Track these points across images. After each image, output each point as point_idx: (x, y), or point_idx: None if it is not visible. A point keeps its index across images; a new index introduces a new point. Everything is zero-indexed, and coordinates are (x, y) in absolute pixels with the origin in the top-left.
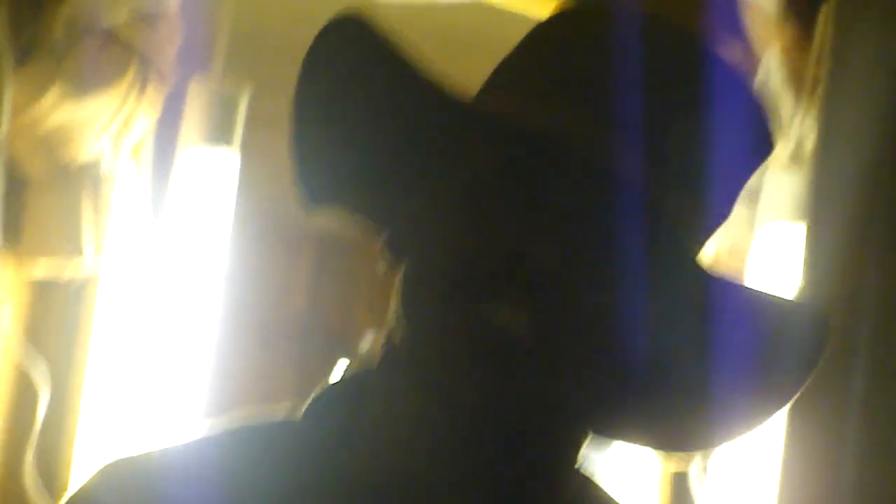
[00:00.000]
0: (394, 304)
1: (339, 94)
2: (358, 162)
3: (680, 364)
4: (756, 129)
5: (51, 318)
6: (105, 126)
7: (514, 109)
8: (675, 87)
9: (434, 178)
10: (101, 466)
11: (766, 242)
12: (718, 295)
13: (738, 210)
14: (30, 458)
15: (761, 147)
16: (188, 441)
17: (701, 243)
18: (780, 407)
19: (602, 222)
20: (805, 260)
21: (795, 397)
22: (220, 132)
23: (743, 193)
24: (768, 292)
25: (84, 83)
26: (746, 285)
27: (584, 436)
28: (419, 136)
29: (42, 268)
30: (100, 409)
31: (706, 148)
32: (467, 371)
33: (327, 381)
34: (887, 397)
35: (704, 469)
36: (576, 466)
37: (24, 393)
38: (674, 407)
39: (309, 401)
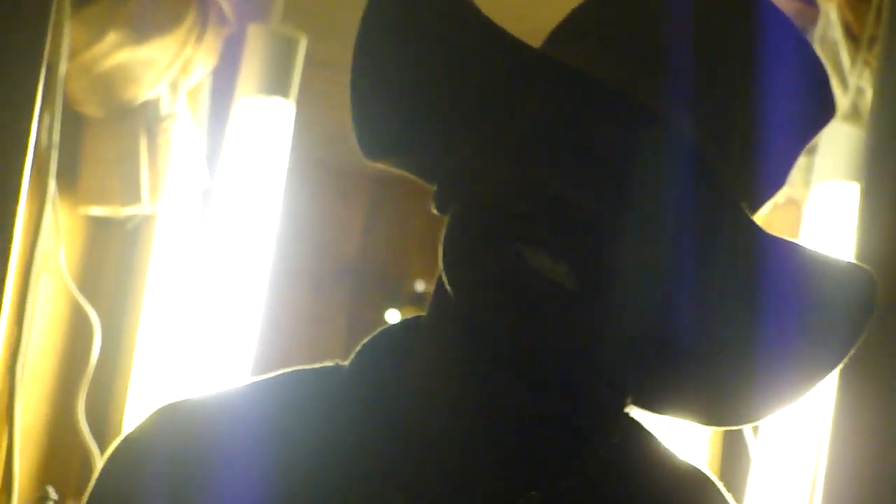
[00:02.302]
0: (440, 255)
1: (400, 41)
2: (413, 114)
3: (726, 326)
4: (815, 92)
5: (106, 260)
6: (163, 70)
7: (573, 59)
8: (729, 40)
9: (488, 126)
10: (153, 409)
11: (821, 200)
12: (768, 252)
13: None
14: (83, 398)
15: (820, 110)
16: (238, 386)
17: (753, 202)
18: (827, 372)
19: (648, 171)
20: (859, 219)
21: (842, 362)
22: (277, 79)
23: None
24: (818, 251)
25: (143, 26)
26: (796, 243)
27: (628, 389)
28: (480, 82)
29: (98, 209)
30: (153, 351)
31: (760, 103)
32: (510, 317)
33: (378, 328)
34: None
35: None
36: (623, 411)
37: (78, 334)
38: (719, 375)
39: (359, 348)
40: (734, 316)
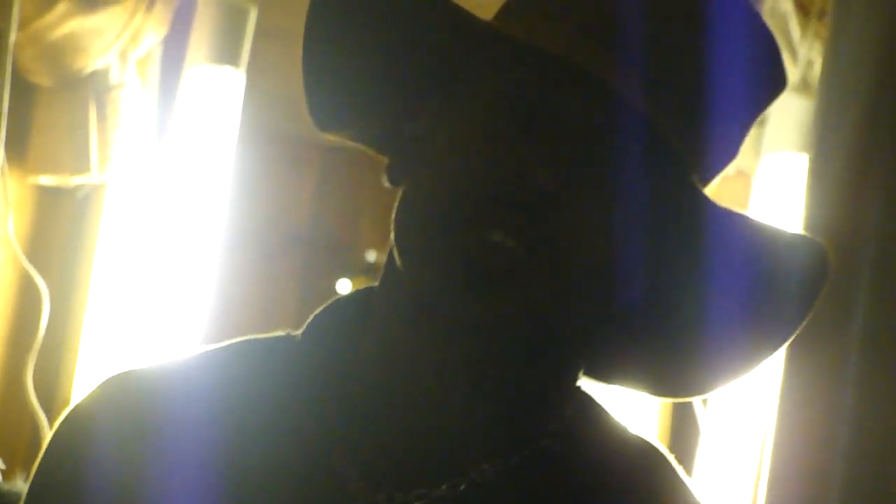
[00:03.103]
0: (392, 228)
1: (355, 11)
2: (367, 86)
3: (677, 298)
4: (766, 64)
5: (55, 229)
6: (113, 39)
7: (524, 33)
8: (680, 13)
9: (440, 101)
10: (102, 379)
11: (770, 171)
12: (719, 225)
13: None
14: (31, 368)
15: (771, 83)
16: (188, 355)
17: (705, 175)
18: (778, 345)
19: (601, 146)
20: (808, 190)
21: (794, 334)
22: (227, 48)
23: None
24: (769, 223)
25: None
26: (748, 216)
27: (581, 362)
28: (431, 57)
29: (47, 178)
30: (102, 321)
31: (711, 76)
32: (463, 293)
33: (329, 298)
34: (888, 330)
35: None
36: (575, 385)
37: (27, 303)
38: (670, 347)
39: (310, 319)
40: (685, 287)
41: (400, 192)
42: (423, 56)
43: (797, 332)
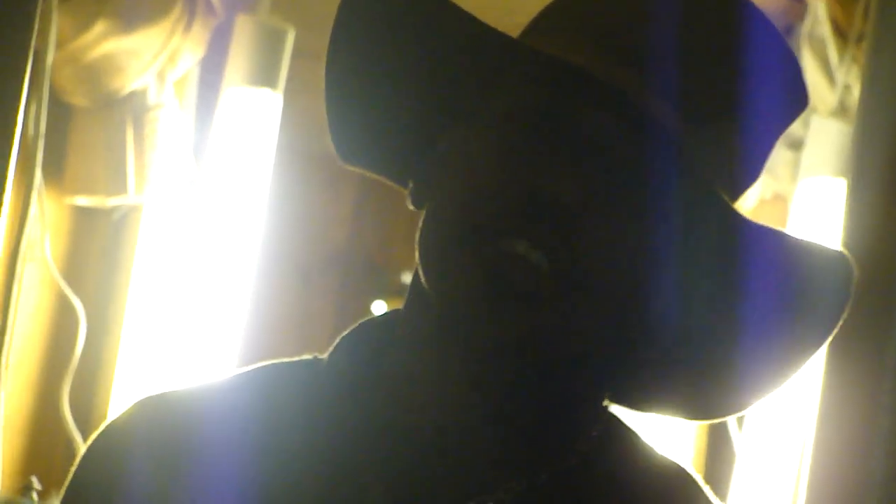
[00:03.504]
0: (416, 250)
1: (374, 37)
2: (390, 109)
3: (709, 314)
4: (790, 83)
5: (92, 250)
6: (150, 60)
7: (550, 48)
8: (707, 30)
9: (463, 119)
10: (135, 400)
11: (808, 196)
12: (749, 238)
13: (782, 160)
14: (67, 389)
15: (794, 101)
16: (218, 378)
17: (732, 192)
18: (810, 356)
19: (626, 160)
20: (846, 215)
21: (825, 344)
22: (264, 70)
23: (783, 145)
24: (797, 236)
25: (131, 16)
26: (776, 229)
27: (608, 383)
28: (457, 75)
29: (84, 199)
30: (139, 342)
31: (738, 94)
32: (486, 304)
33: (361, 319)
34: None
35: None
36: (602, 405)
37: (63, 324)
38: (703, 365)
39: (337, 341)
40: (717, 304)
41: (423, 214)
42: (445, 76)
43: (827, 344)
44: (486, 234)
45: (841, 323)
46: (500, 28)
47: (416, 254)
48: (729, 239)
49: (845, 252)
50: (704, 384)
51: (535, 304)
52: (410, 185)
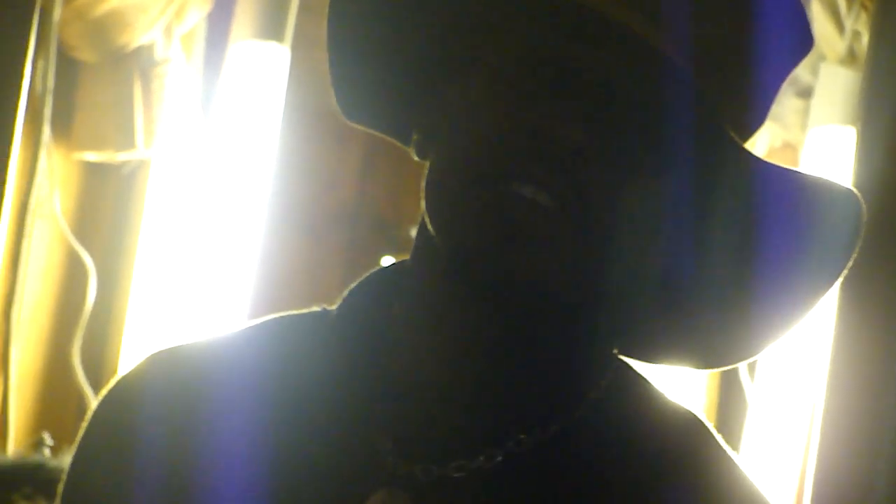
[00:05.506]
0: (422, 198)
1: None
2: (393, 66)
3: (721, 257)
4: (795, 23)
5: (101, 205)
6: (157, 15)
7: None
8: None
9: (468, 66)
10: (145, 354)
11: (818, 144)
12: (763, 176)
13: (791, 108)
14: (78, 344)
15: (799, 41)
16: (227, 332)
17: (741, 134)
18: (821, 296)
19: (637, 103)
20: (856, 162)
21: (836, 285)
22: (271, 23)
23: (792, 93)
24: (807, 173)
25: None
26: (786, 167)
27: (618, 330)
28: (458, 21)
29: (93, 155)
30: (149, 296)
31: (747, 35)
32: (495, 250)
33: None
34: None
35: (753, 364)
36: (612, 353)
37: (73, 279)
38: (715, 310)
39: (345, 293)
40: (729, 246)
41: (428, 164)
42: (450, 22)
43: (839, 281)
44: (494, 177)
45: (852, 262)
46: None
47: (423, 202)
48: (742, 180)
49: (853, 191)
50: (716, 329)
51: (543, 245)
52: (415, 136)
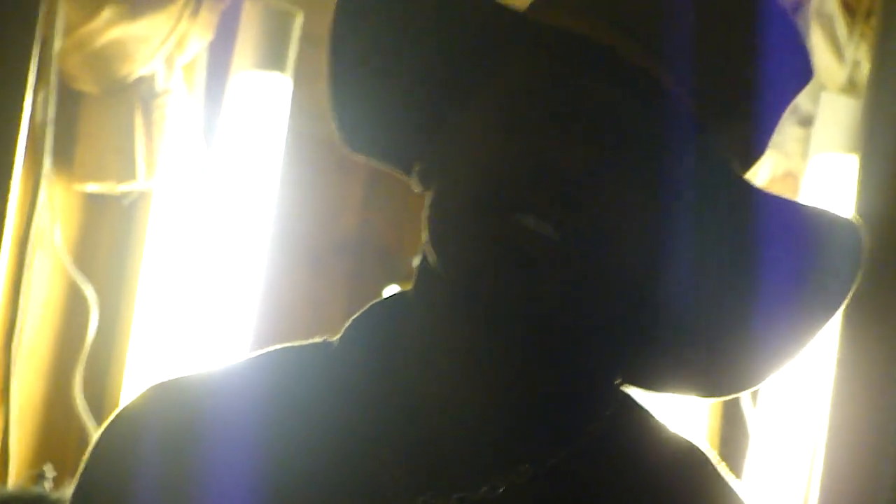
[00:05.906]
0: (425, 229)
1: (379, 17)
2: (395, 92)
3: (722, 287)
4: (796, 55)
5: (103, 237)
6: (158, 45)
7: (561, 20)
8: (721, 8)
9: (470, 96)
10: (147, 386)
11: (818, 172)
12: (762, 208)
13: (792, 137)
14: (79, 376)
15: (800, 73)
16: (229, 363)
17: (743, 164)
18: (823, 325)
19: (638, 135)
20: (857, 190)
21: (837, 315)
22: (273, 53)
23: (793, 122)
24: (808, 204)
25: (138, 1)
26: (787, 198)
27: (621, 361)
28: (460, 52)
29: (94, 186)
30: (150, 328)
31: (750, 66)
32: (497, 280)
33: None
34: None
35: (755, 392)
36: (614, 384)
37: (75, 311)
38: (716, 340)
39: (347, 324)
40: (730, 276)
41: (431, 194)
42: (452, 53)
43: (841, 311)
44: (496, 208)
45: (853, 292)
46: (507, 1)
47: (425, 233)
48: (742, 211)
49: (853, 220)
50: (718, 359)
51: (545, 275)
52: (416, 167)
